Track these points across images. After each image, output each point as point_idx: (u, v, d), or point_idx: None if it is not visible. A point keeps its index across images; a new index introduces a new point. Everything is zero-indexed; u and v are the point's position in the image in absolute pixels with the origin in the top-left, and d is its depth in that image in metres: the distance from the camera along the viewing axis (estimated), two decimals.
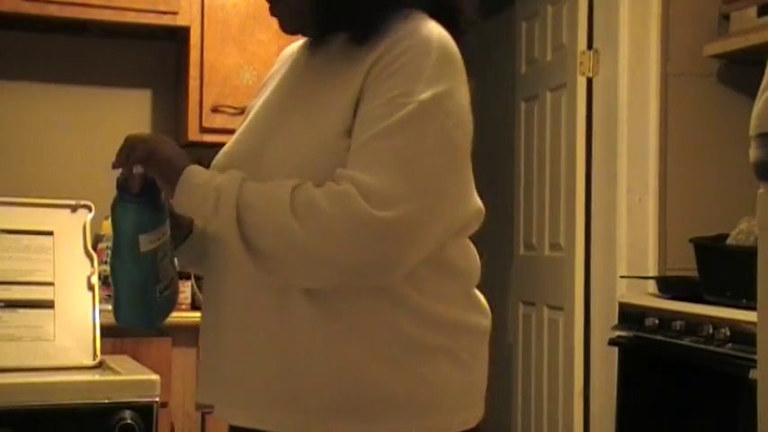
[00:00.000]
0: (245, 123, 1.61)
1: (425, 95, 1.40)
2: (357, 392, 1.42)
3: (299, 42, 1.64)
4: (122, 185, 1.42)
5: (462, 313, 1.51)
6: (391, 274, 1.40)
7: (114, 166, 1.46)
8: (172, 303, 1.50)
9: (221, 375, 1.51)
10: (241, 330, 1.46)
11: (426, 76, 1.41)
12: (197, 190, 1.41)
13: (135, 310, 1.46)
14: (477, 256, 1.60)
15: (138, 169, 1.41)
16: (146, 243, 1.41)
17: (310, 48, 1.59)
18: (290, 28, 1.56)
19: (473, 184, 1.60)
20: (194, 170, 1.43)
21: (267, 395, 1.45)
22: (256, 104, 1.63)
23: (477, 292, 1.58)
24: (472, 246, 1.59)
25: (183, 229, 1.60)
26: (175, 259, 1.55)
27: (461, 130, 1.44)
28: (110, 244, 1.58)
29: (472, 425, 1.52)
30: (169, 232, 1.46)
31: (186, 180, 1.42)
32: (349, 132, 1.41)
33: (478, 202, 1.61)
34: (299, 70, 1.59)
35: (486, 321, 1.57)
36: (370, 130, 1.39)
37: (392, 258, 1.37)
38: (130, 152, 1.45)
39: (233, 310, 1.48)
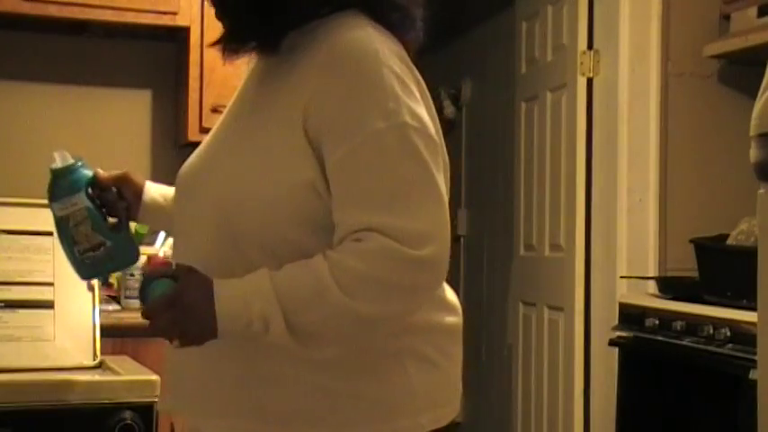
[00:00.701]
0: (207, 136, 1.60)
1: (394, 120, 1.36)
2: (322, 399, 1.42)
3: None
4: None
5: (425, 313, 1.48)
6: (431, 296, 1.44)
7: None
8: (99, 266, 1.66)
9: (185, 382, 1.52)
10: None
11: (382, 98, 1.37)
12: (237, 324, 1.36)
13: (70, 265, 1.70)
14: None
15: (176, 344, 1.42)
16: (57, 210, 1.65)
17: (259, 58, 1.56)
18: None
19: None
20: (225, 317, 1.35)
21: (230, 404, 1.45)
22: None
23: (445, 290, 1.55)
24: None
25: (132, 204, 1.69)
26: (103, 228, 1.65)
27: (431, 142, 1.40)
28: None
29: (444, 422, 1.50)
30: (83, 204, 1.64)
31: (224, 329, 1.36)
32: (288, 161, 1.38)
33: None
34: (249, 84, 1.57)
35: (452, 318, 1.54)
36: (362, 171, 1.36)
37: (437, 285, 1.42)
38: (164, 334, 1.41)
39: None
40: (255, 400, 1.44)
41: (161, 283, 1.39)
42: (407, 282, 1.34)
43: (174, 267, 1.41)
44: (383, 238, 1.32)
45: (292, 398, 1.42)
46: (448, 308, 1.55)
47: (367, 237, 1.33)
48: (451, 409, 1.53)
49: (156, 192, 1.74)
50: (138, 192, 1.72)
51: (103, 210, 1.68)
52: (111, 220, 1.69)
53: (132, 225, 1.75)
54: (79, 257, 1.66)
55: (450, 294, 1.57)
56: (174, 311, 1.36)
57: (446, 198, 1.40)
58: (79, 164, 1.66)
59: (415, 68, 1.46)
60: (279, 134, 1.41)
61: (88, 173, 1.66)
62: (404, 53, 1.45)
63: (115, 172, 1.71)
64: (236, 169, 1.44)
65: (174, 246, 1.59)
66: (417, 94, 1.42)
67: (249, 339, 1.38)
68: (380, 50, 1.39)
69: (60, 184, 1.64)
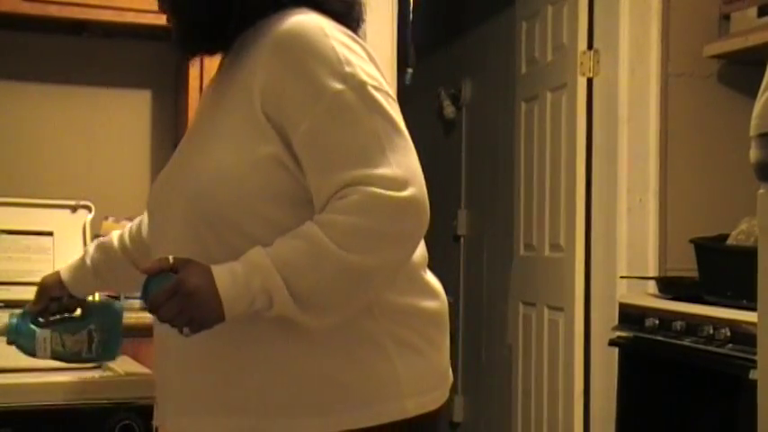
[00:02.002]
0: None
1: (351, 82, 1.40)
2: (304, 388, 1.43)
3: None
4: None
5: (407, 298, 1.50)
6: (421, 238, 1.45)
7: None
8: (108, 341, 1.85)
9: (170, 386, 1.54)
10: (183, 340, 1.46)
11: (337, 65, 1.41)
12: (242, 302, 1.38)
13: (97, 364, 1.98)
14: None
15: (186, 332, 1.44)
16: (42, 356, 1.83)
17: (222, 61, 1.61)
18: None
19: None
20: (229, 298, 1.37)
21: (213, 401, 1.47)
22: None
23: (427, 276, 1.57)
24: None
25: (66, 292, 1.86)
26: (80, 332, 1.84)
27: (391, 99, 1.45)
28: None
29: (431, 408, 1.51)
30: (45, 334, 1.82)
31: (230, 310, 1.38)
32: (252, 147, 1.42)
33: None
34: (210, 88, 1.62)
35: (435, 304, 1.55)
36: (331, 134, 1.39)
37: (424, 227, 1.41)
38: (172, 317, 1.41)
39: None
40: (234, 396, 1.45)
41: (161, 277, 1.41)
42: (397, 225, 1.37)
43: (171, 261, 1.42)
44: (365, 188, 1.35)
45: (273, 387, 1.43)
46: (430, 294, 1.55)
47: (349, 192, 1.36)
48: (438, 396, 1.53)
49: (67, 272, 1.88)
50: (59, 281, 1.86)
51: (64, 315, 1.86)
52: (77, 313, 1.87)
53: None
54: (93, 354, 1.85)
55: (431, 278, 1.58)
56: (177, 299, 1.38)
57: (413, 148, 1.44)
58: (13, 320, 1.83)
59: (365, 44, 1.49)
60: (238, 119, 1.45)
61: (22, 318, 1.83)
62: (351, 33, 1.49)
63: (36, 293, 1.88)
64: (202, 160, 1.47)
65: (153, 255, 1.61)
66: (371, 63, 1.46)
67: (257, 318, 1.40)
68: (325, 26, 1.44)
69: (22, 345, 1.84)
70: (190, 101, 3.32)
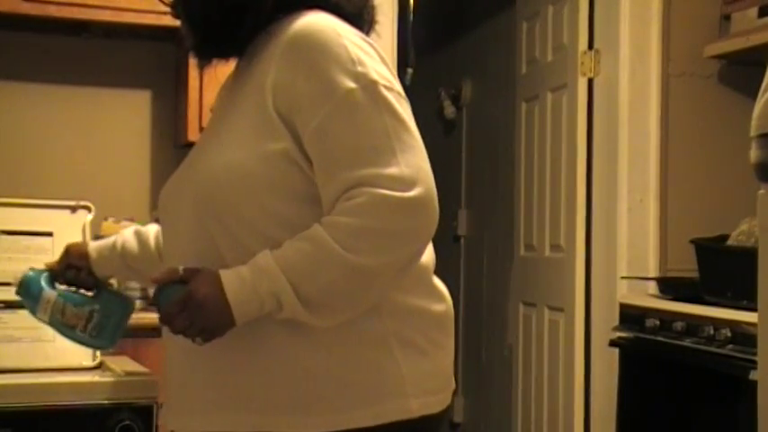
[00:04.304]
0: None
1: (363, 81, 1.41)
2: (308, 386, 1.43)
3: None
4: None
5: (412, 299, 1.50)
6: (430, 237, 1.44)
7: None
8: (104, 328, 1.78)
9: (172, 387, 1.55)
10: (188, 340, 1.46)
11: (349, 65, 1.42)
12: (251, 307, 1.39)
13: (88, 347, 1.97)
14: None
15: (199, 341, 1.45)
16: (42, 316, 1.79)
17: (237, 65, 1.62)
18: None
19: None
20: (238, 303, 1.39)
21: (219, 398, 1.47)
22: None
23: (435, 279, 1.58)
24: None
25: (88, 267, 1.81)
26: (85, 305, 1.78)
27: (402, 99, 1.46)
28: None
29: (435, 410, 1.51)
30: (52, 297, 1.78)
31: (240, 315, 1.40)
32: (266, 137, 1.43)
33: None
34: (223, 91, 1.63)
35: (440, 306, 1.55)
36: (341, 133, 1.39)
37: (432, 225, 1.41)
38: (180, 326, 1.42)
39: None
40: (240, 393, 1.45)
41: (172, 288, 1.43)
42: (403, 226, 1.37)
43: (181, 272, 1.44)
44: (371, 189, 1.36)
45: (279, 387, 1.43)
46: (436, 296, 1.56)
47: (356, 193, 1.37)
48: (442, 398, 1.53)
49: (94, 247, 1.84)
50: (84, 253, 1.82)
51: (78, 290, 1.80)
52: (88, 293, 1.80)
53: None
54: (86, 335, 1.78)
55: (438, 282, 1.58)
56: (188, 311, 1.40)
57: (423, 148, 1.44)
58: (30, 273, 1.80)
59: (377, 46, 1.50)
60: (249, 117, 1.45)
61: (37, 274, 1.80)
62: (362, 35, 1.49)
63: (60, 254, 1.84)
64: (212, 157, 1.48)
65: (165, 260, 1.62)
66: (383, 64, 1.47)
67: (261, 317, 1.41)
68: (337, 26, 1.45)
69: (27, 298, 1.80)
70: (190, 101, 3.32)
